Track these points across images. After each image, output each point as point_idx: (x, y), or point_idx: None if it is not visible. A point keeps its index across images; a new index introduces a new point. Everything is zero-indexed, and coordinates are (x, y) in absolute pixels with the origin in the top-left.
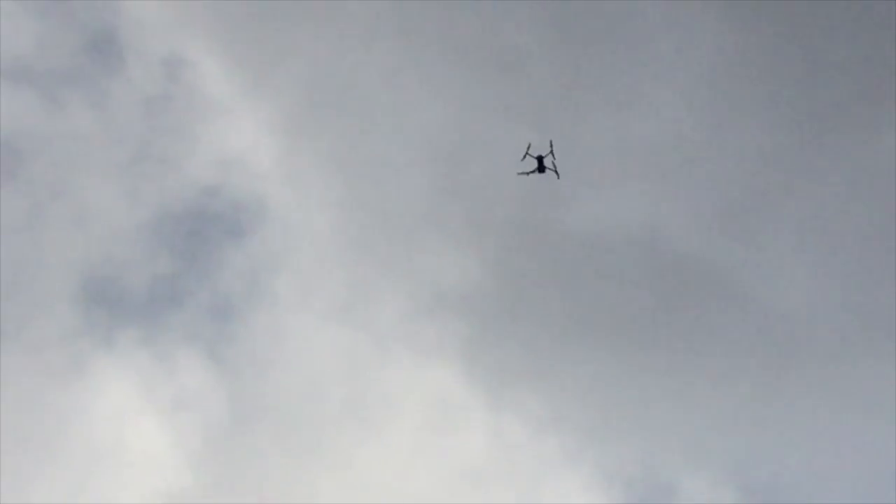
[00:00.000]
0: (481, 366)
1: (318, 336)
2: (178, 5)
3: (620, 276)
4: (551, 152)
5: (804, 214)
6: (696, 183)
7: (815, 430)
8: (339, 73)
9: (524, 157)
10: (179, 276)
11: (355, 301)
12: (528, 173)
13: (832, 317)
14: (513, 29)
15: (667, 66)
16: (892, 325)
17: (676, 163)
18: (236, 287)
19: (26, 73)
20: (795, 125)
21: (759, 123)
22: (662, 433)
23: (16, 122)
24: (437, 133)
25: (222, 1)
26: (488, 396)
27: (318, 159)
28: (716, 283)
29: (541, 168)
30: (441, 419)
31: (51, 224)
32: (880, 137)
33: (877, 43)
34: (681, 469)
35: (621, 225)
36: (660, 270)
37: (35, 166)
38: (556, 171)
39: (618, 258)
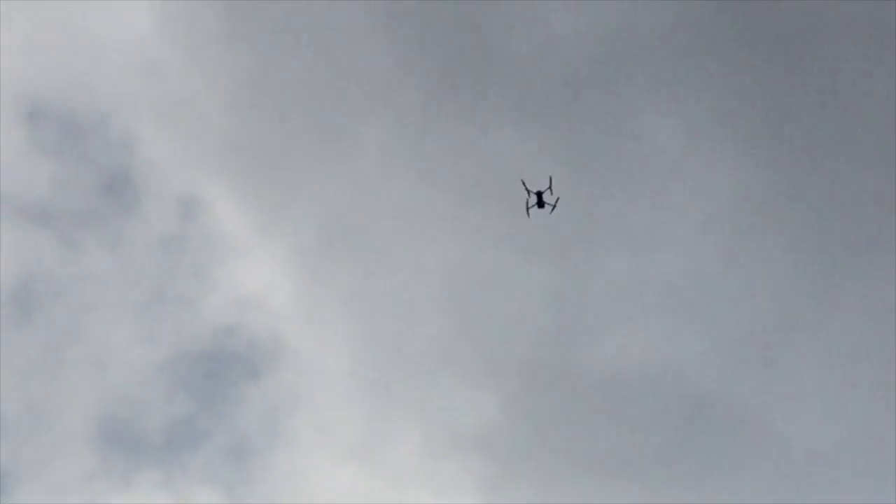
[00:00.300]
0: None
1: (335, 475)
2: (192, 145)
3: (638, 414)
4: (550, 188)
5: (824, 351)
6: (714, 319)
7: None
8: (355, 212)
9: (528, 194)
10: (196, 416)
11: (372, 440)
12: (528, 209)
13: (854, 453)
14: (530, 166)
15: (684, 203)
16: None
17: (695, 300)
18: (254, 427)
19: (42, 215)
20: (814, 260)
21: (778, 259)
22: None
23: (32, 264)
24: (454, 271)
25: (236, 140)
26: None
27: (334, 298)
28: (735, 420)
29: (540, 203)
30: None
31: (67, 366)
32: None
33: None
34: None
35: (639, 362)
36: (678, 408)
37: (51, 308)
38: (554, 206)
39: (635, 396)
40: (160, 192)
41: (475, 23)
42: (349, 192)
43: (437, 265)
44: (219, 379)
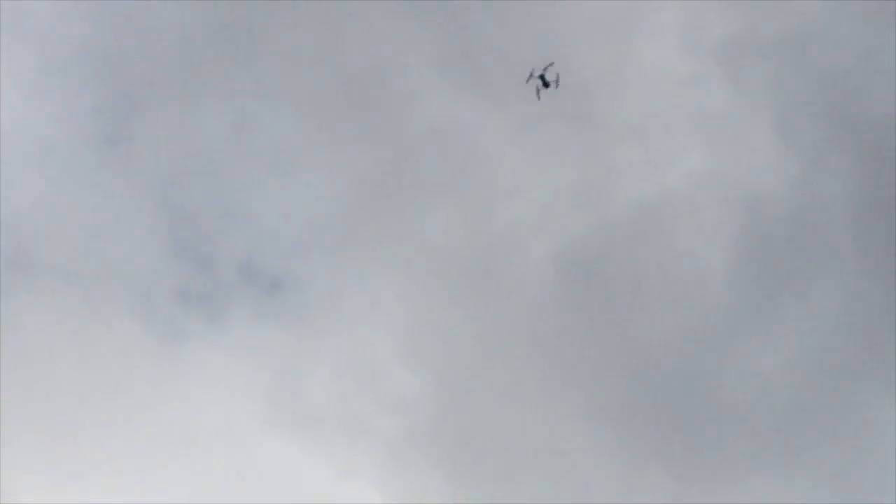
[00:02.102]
0: None
1: None
2: None
3: None
4: (549, 66)
5: None
6: None
7: None
8: None
9: (528, 80)
10: None
11: None
12: (538, 92)
13: None
14: None
15: None
16: None
17: None
18: None
19: None
20: None
21: None
22: None
23: None
24: None
25: None
26: None
27: None
28: None
29: (545, 83)
30: None
31: None
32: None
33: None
34: None
35: None
36: None
37: None
38: (556, 83)
39: None
40: None
41: None
42: None
43: None
44: None
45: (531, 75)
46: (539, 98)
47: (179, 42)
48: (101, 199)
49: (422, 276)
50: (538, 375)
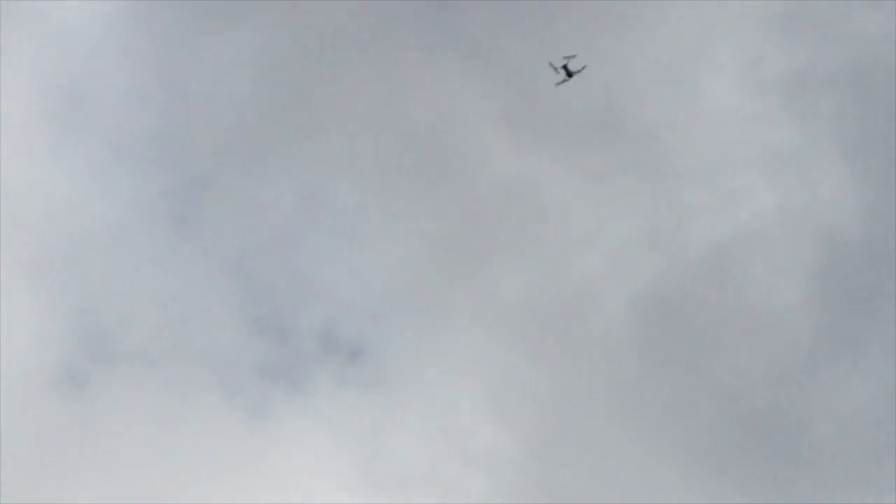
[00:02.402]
0: None
1: None
2: None
3: None
4: (572, 58)
5: None
6: None
7: None
8: None
9: (556, 71)
10: None
11: None
12: (560, 83)
13: None
14: None
15: None
16: None
17: None
18: None
19: None
20: None
21: None
22: None
23: None
24: None
25: None
26: None
27: None
28: None
29: (569, 73)
30: None
31: None
32: None
33: None
34: None
35: None
36: None
37: None
38: (580, 71)
39: None
40: None
41: None
42: None
43: None
44: None
45: (554, 67)
46: (557, 84)
47: (244, 118)
48: (177, 279)
49: (500, 333)
50: (622, 424)
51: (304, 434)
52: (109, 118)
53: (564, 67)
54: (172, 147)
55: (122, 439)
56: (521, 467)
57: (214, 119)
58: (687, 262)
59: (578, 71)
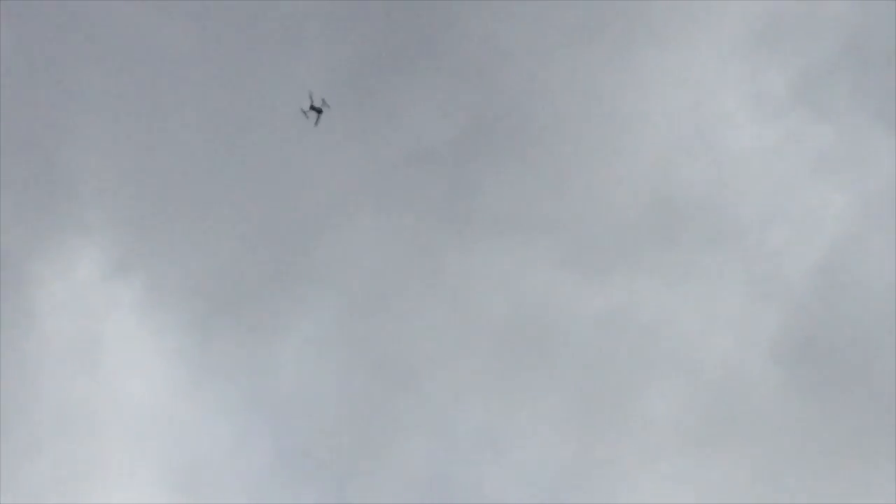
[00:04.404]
0: None
1: None
2: None
3: None
4: (312, 95)
5: None
6: None
7: None
8: None
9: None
10: None
11: None
12: (314, 119)
13: None
14: None
15: None
16: None
17: None
18: None
19: None
20: None
21: None
22: None
23: None
24: None
25: None
26: None
27: None
28: None
29: (318, 111)
30: None
31: None
32: None
33: None
34: None
35: None
36: None
37: None
38: (324, 104)
39: None
40: None
41: None
42: None
43: None
44: None
45: (304, 112)
46: (316, 125)
47: None
48: None
49: None
50: None
51: None
52: None
53: (312, 107)
54: None
55: None
56: None
57: None
58: None
59: (323, 103)
